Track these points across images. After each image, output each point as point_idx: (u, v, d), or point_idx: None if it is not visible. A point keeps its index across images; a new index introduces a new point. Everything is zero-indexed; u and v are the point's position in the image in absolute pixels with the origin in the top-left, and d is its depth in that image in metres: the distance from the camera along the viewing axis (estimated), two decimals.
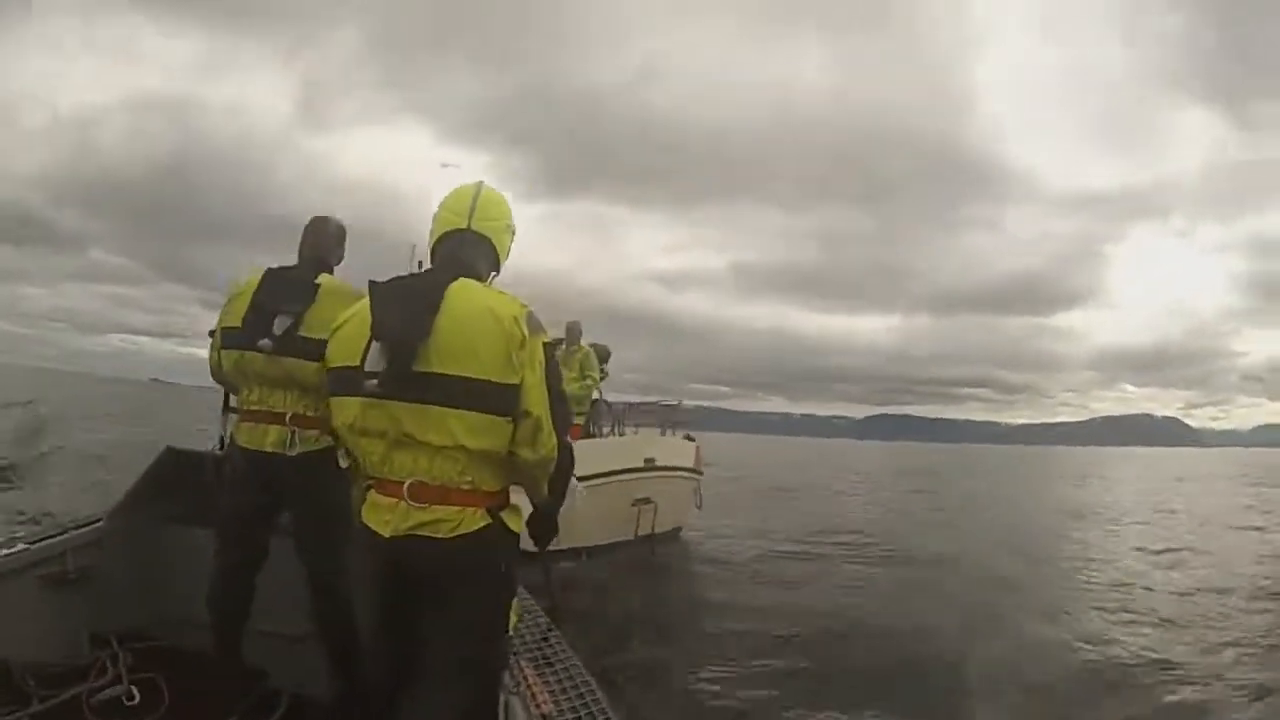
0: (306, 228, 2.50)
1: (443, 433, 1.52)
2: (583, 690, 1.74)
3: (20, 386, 30.06)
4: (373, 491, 1.62)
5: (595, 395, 8.56)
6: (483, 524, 1.56)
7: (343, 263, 2.55)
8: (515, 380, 1.53)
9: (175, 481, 2.83)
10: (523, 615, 2.20)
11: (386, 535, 1.56)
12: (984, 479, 31.26)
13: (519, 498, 1.66)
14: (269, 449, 2.29)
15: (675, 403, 9.00)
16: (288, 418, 2.30)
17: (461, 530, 1.54)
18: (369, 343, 1.55)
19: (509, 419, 1.54)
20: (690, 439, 8.73)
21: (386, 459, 1.58)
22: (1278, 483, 29.44)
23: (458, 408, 1.51)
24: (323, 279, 2.36)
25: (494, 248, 1.76)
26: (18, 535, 2.71)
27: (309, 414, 2.28)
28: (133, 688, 2.36)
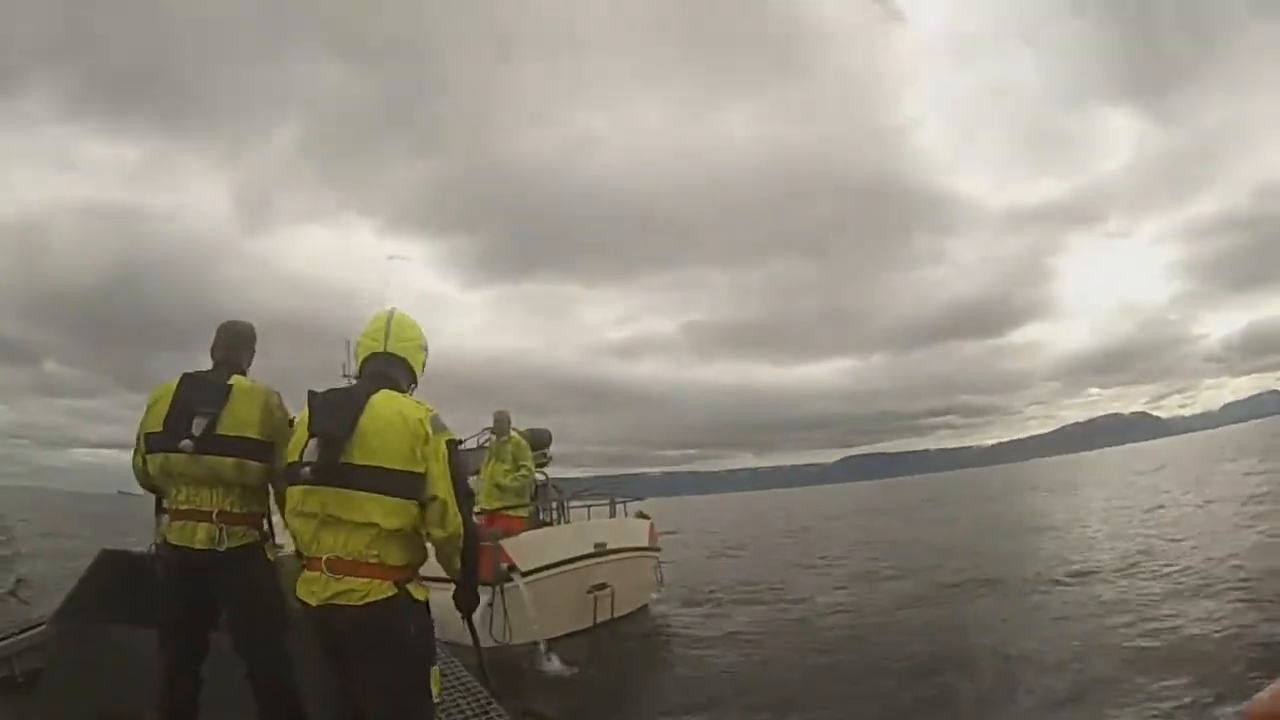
0: (218, 331, 2.61)
1: (360, 513, 1.87)
2: None
3: None
4: (304, 569, 1.93)
5: (540, 479, 8.68)
6: (389, 594, 1.87)
7: (257, 361, 2.69)
8: (420, 469, 1.89)
9: (114, 583, 2.84)
10: (463, 690, 2.24)
11: (314, 604, 1.88)
12: (947, 503, 32.13)
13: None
14: (198, 546, 2.36)
15: (621, 481, 9.08)
16: (214, 515, 2.38)
17: (369, 599, 1.85)
18: (308, 440, 1.91)
19: (415, 502, 1.90)
20: (644, 516, 8.80)
21: (315, 538, 1.91)
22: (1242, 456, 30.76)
23: (373, 492, 1.87)
24: (235, 380, 2.48)
25: (409, 365, 2.14)
26: None
27: (235, 510, 2.40)
28: None
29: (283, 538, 2.39)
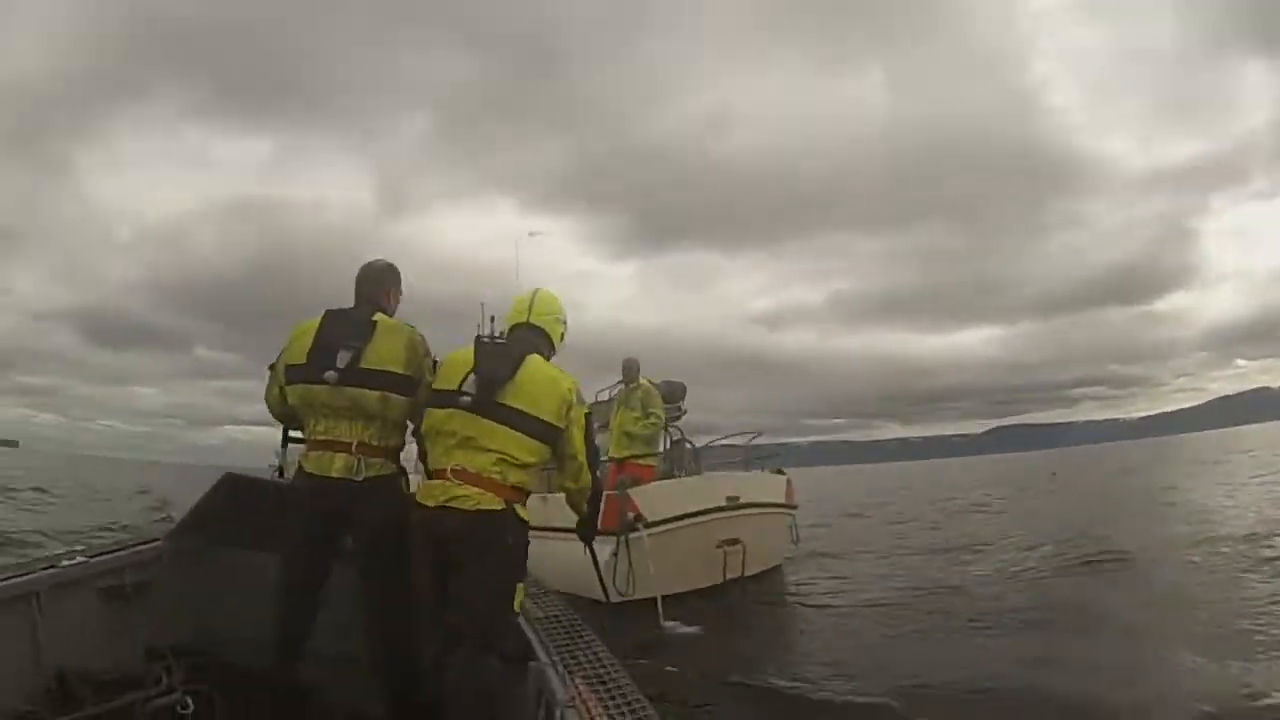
0: (359, 274, 2.64)
1: (497, 442, 2.21)
2: (634, 704, 1.79)
3: (143, 480, 31.11)
4: (431, 480, 2.24)
5: (675, 435, 8.21)
6: (498, 507, 2.18)
7: (401, 301, 2.73)
8: (561, 425, 2.29)
9: (233, 506, 2.91)
10: (574, 638, 2.27)
11: (431, 505, 2.17)
12: (1097, 476, 29.01)
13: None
14: (335, 475, 2.39)
15: (754, 435, 8.42)
16: (354, 446, 2.42)
17: (480, 507, 2.15)
18: (468, 374, 2.25)
19: (545, 446, 2.29)
20: (780, 472, 8.15)
21: (447, 453, 2.23)
22: None
23: (515, 430, 2.23)
24: (378, 317, 2.51)
25: (548, 335, 2.51)
26: (78, 549, 2.84)
27: (373, 443, 2.44)
28: (187, 697, 2.42)
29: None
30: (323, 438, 2.44)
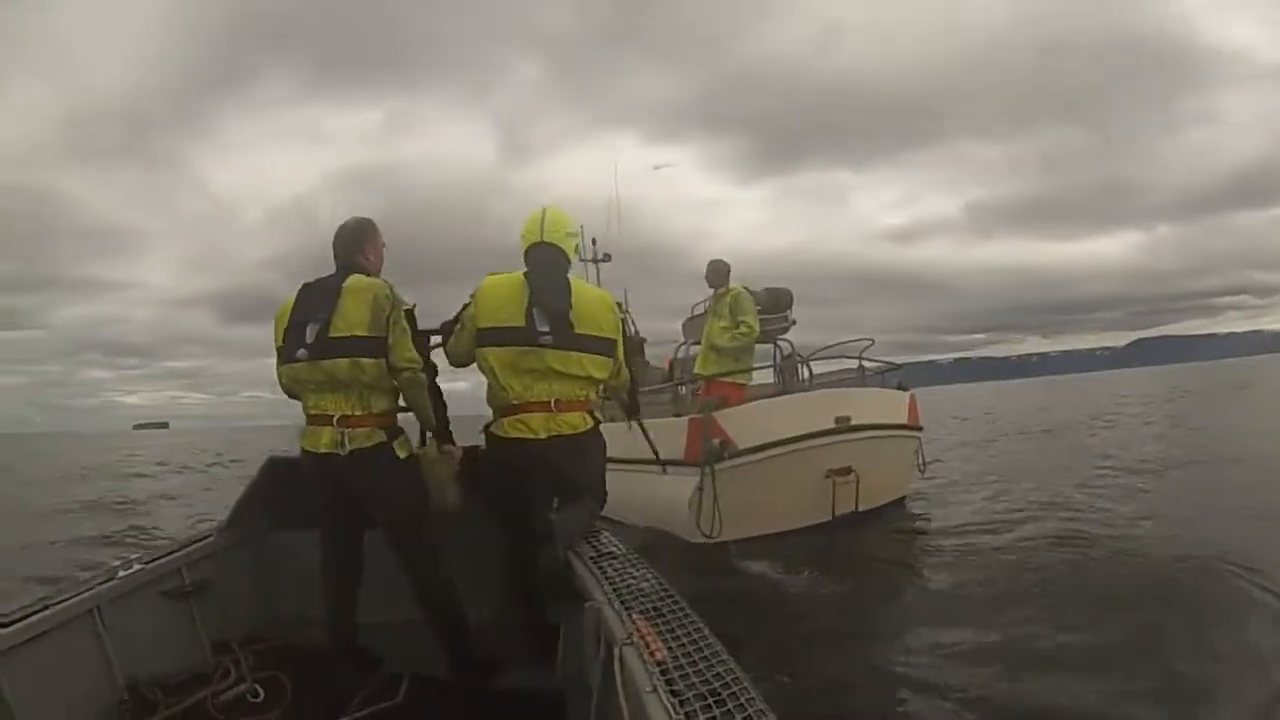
0: (334, 238, 2.62)
1: (580, 368, 2.49)
2: (695, 637, 1.68)
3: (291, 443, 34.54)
4: (513, 415, 2.47)
5: (785, 347, 6.89)
6: (592, 423, 2.56)
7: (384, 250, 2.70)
8: (616, 337, 2.59)
9: (279, 489, 2.93)
10: (635, 573, 2.14)
11: (543, 436, 2.44)
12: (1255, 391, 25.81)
13: None
14: (322, 450, 2.43)
15: (869, 341, 6.86)
16: (335, 419, 2.42)
17: (579, 430, 2.50)
18: (529, 311, 2.45)
19: (610, 359, 2.58)
20: (903, 388, 6.70)
21: (529, 387, 2.46)
22: None
23: (591, 353, 2.51)
24: (349, 281, 2.47)
25: (563, 250, 2.66)
26: (133, 556, 2.81)
27: (357, 412, 2.43)
28: (256, 685, 2.50)
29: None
30: (313, 412, 2.48)
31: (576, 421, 2.49)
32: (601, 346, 2.52)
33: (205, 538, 2.96)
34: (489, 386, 2.56)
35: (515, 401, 2.46)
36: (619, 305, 2.71)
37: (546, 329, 2.42)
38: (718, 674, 1.49)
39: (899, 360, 6.88)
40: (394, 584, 2.56)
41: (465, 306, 2.58)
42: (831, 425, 5.72)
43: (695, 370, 6.24)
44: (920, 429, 6.74)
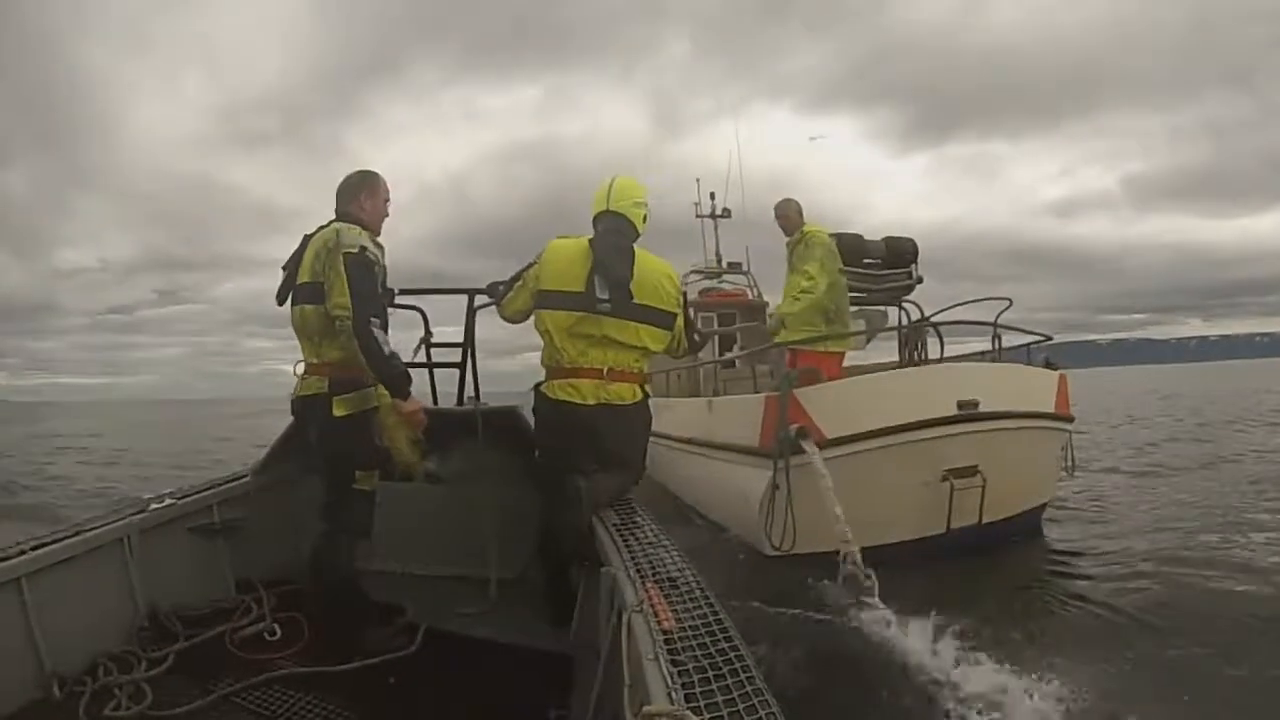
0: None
1: (636, 338, 2.49)
2: (705, 610, 1.68)
3: None
4: (567, 378, 2.47)
5: (911, 310, 5.55)
6: (642, 396, 2.54)
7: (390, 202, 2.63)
8: (677, 310, 2.58)
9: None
10: (655, 543, 2.10)
11: (590, 402, 2.44)
12: None
13: None
14: (296, 394, 2.55)
15: (1006, 302, 5.27)
16: (294, 366, 2.55)
17: (628, 401, 2.49)
18: (590, 278, 2.45)
19: (669, 331, 2.56)
20: (1053, 366, 5.16)
21: (585, 353, 2.47)
22: None
23: (648, 324, 2.50)
24: (319, 231, 2.49)
25: (630, 220, 2.59)
26: (167, 491, 2.79)
27: (312, 360, 2.50)
28: (275, 624, 2.59)
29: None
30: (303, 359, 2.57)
31: (625, 393, 2.50)
32: (659, 318, 2.53)
33: (240, 478, 3.00)
34: (544, 347, 2.56)
35: (569, 365, 2.49)
36: (681, 279, 2.75)
37: (606, 296, 2.44)
38: (721, 649, 1.48)
39: (1055, 339, 5.26)
40: (417, 536, 2.79)
41: (529, 265, 2.59)
42: (953, 411, 4.32)
43: (773, 339, 5.00)
44: (1071, 420, 5.19)
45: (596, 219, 2.61)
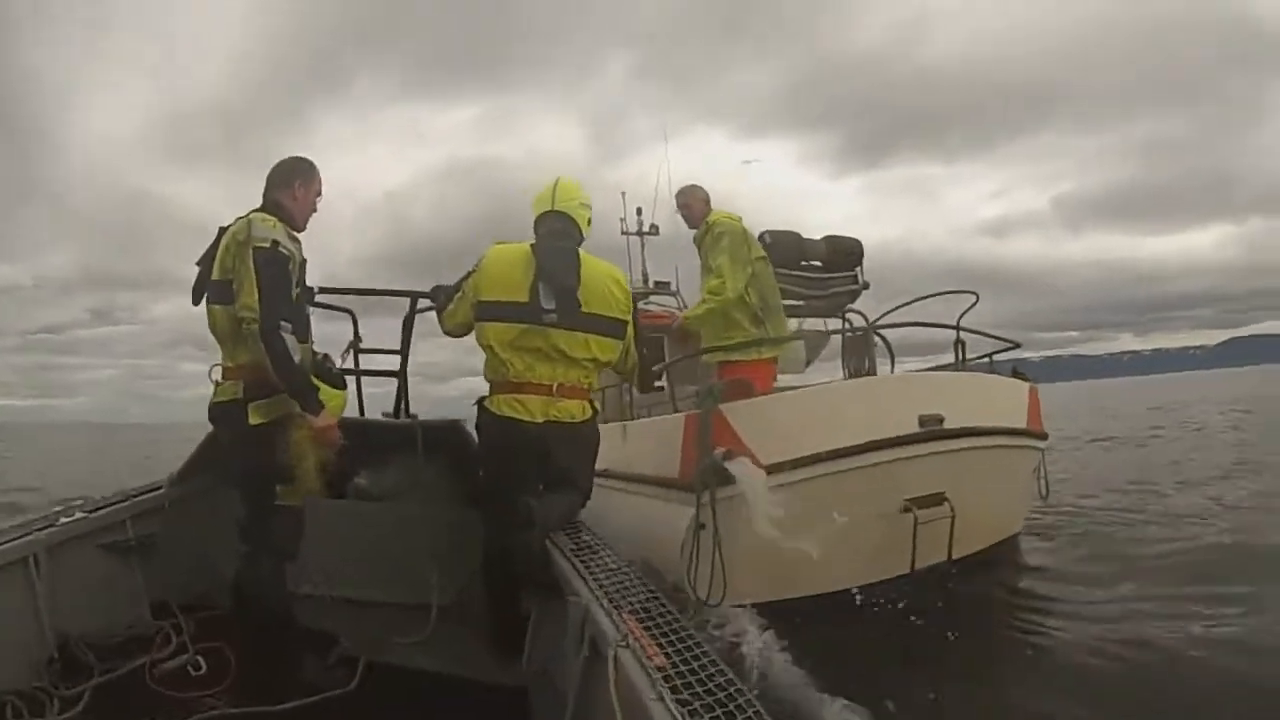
0: None
1: (585, 350, 2.37)
2: (689, 643, 1.60)
3: None
4: (512, 393, 2.34)
5: (854, 319, 4.91)
6: (591, 413, 2.44)
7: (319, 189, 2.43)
8: (627, 318, 2.45)
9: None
10: (618, 569, 2.02)
11: (539, 420, 2.32)
12: None
13: None
14: (212, 401, 2.32)
15: (974, 297, 4.45)
16: (214, 371, 2.33)
17: (577, 418, 2.38)
18: (535, 286, 2.32)
19: (620, 341, 2.46)
20: (1021, 376, 4.50)
21: (532, 367, 2.33)
22: None
23: (597, 334, 2.39)
24: (235, 225, 2.26)
25: (575, 220, 2.50)
26: (76, 503, 2.60)
27: (227, 364, 2.29)
28: (198, 657, 2.38)
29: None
30: None
31: (575, 409, 2.41)
32: (610, 327, 2.42)
33: (155, 489, 2.81)
34: (487, 360, 2.42)
35: (515, 380, 2.36)
36: (628, 282, 2.56)
37: (551, 306, 2.32)
38: (719, 684, 1.42)
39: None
40: (348, 558, 2.63)
41: (468, 274, 2.45)
42: (914, 429, 3.61)
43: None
44: (1045, 437, 4.54)
45: (539, 220, 2.50)
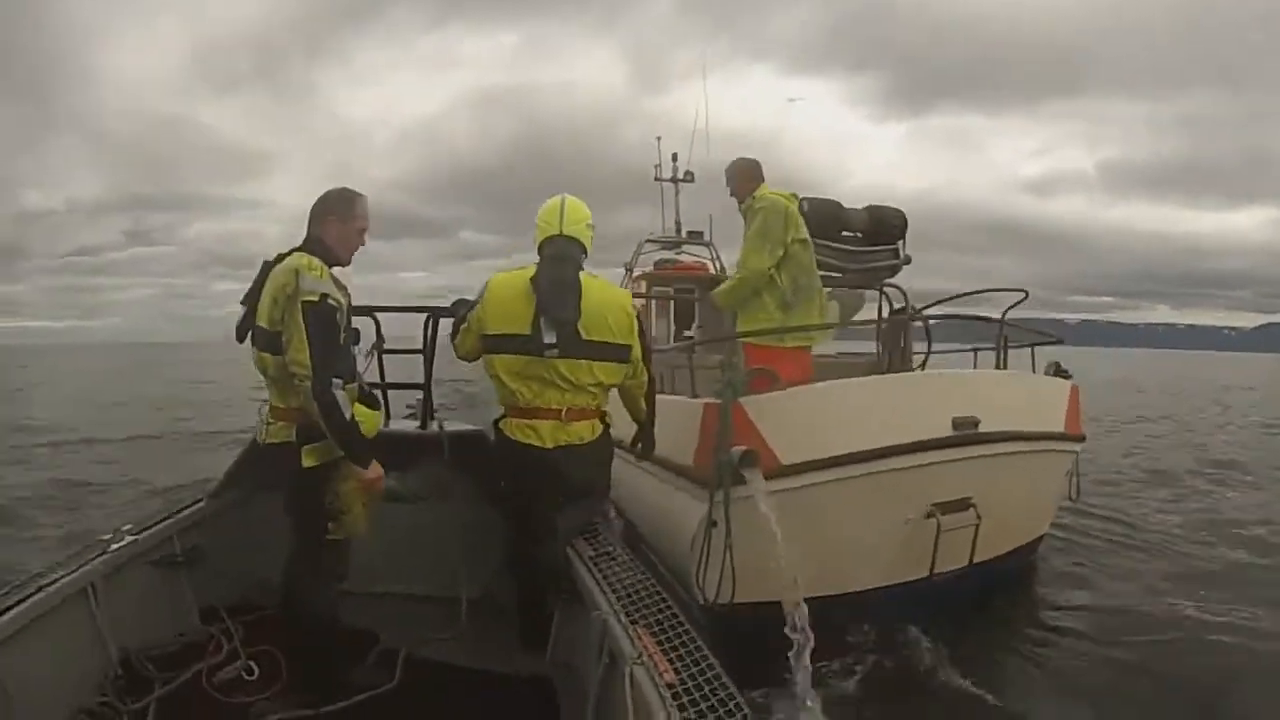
0: None
1: (590, 376, 2.42)
2: (696, 657, 1.77)
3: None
4: (523, 418, 2.43)
5: (896, 296, 4.64)
6: (602, 429, 2.52)
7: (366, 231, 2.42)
8: (631, 342, 2.47)
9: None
10: (635, 581, 2.19)
11: (549, 445, 2.41)
12: None
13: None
14: (263, 440, 2.39)
15: (1022, 294, 4.13)
16: (263, 409, 2.41)
17: (587, 439, 2.46)
18: (536, 318, 2.36)
19: (625, 364, 2.49)
20: (1063, 373, 4.23)
21: (540, 394, 2.41)
22: None
23: (602, 360, 2.42)
24: (282, 262, 2.24)
25: (581, 243, 2.51)
26: (125, 527, 2.67)
27: (276, 404, 2.33)
28: (251, 663, 2.50)
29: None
30: None
31: (585, 431, 2.48)
32: (613, 352, 2.46)
33: (196, 502, 2.93)
34: (496, 389, 2.51)
35: (525, 405, 2.45)
36: (634, 306, 2.58)
37: (553, 340, 2.36)
38: (721, 699, 1.59)
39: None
40: (378, 555, 2.66)
41: (473, 304, 2.51)
42: (947, 432, 3.37)
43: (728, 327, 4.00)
44: (1082, 439, 4.29)
45: (545, 243, 2.49)
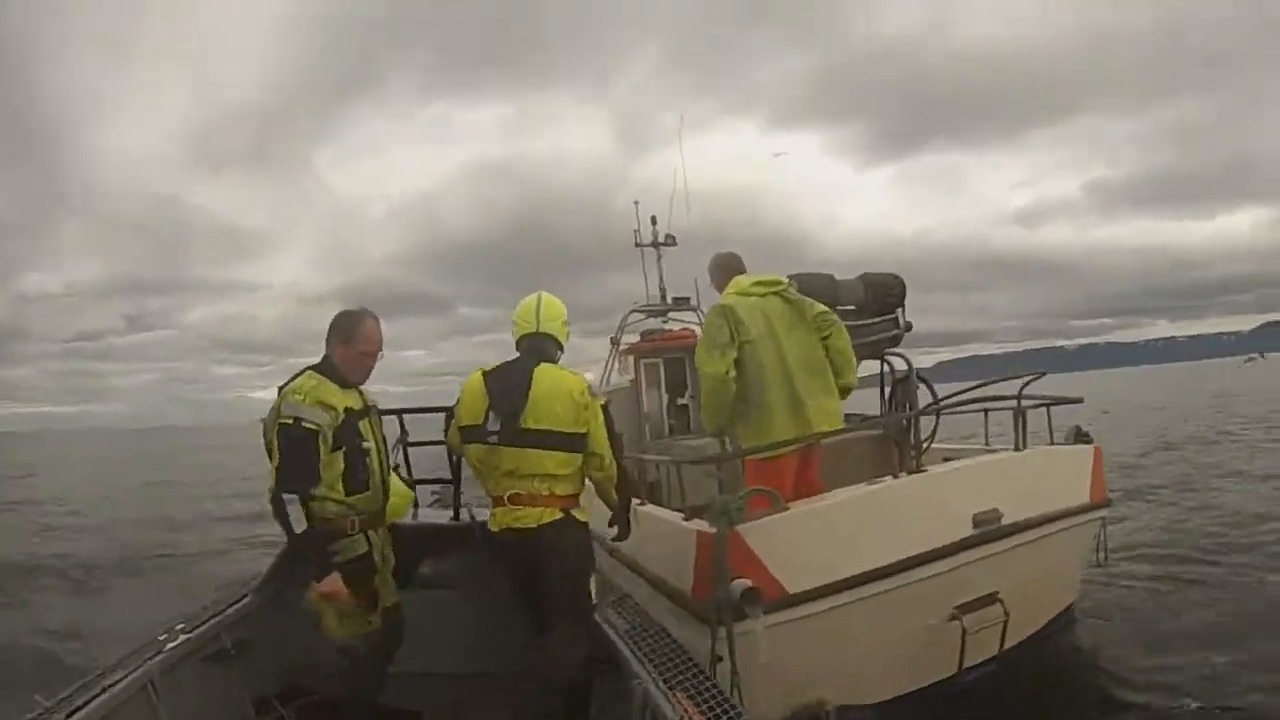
0: None
1: (537, 465, 2.43)
2: (734, 717, 1.90)
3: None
4: (492, 505, 2.55)
5: (899, 367, 4.47)
6: (557, 517, 2.44)
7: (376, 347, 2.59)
8: (583, 430, 2.45)
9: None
10: (661, 647, 2.33)
11: (496, 530, 2.52)
12: None
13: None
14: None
15: (1037, 376, 3.89)
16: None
17: (543, 521, 2.43)
18: (488, 410, 2.46)
19: (578, 454, 2.47)
20: (1084, 438, 3.95)
21: (500, 483, 2.48)
22: None
23: (546, 449, 2.43)
24: (289, 384, 2.43)
25: (556, 339, 2.64)
26: (177, 626, 2.74)
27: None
28: None
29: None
30: None
31: (536, 515, 2.45)
32: (558, 441, 2.45)
33: (242, 598, 3.00)
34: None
35: (491, 493, 2.54)
36: (589, 394, 2.52)
37: (496, 428, 2.44)
38: None
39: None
40: (429, 637, 2.78)
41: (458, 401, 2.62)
42: (968, 532, 3.14)
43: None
44: (1108, 504, 4.02)
45: (521, 341, 2.62)
